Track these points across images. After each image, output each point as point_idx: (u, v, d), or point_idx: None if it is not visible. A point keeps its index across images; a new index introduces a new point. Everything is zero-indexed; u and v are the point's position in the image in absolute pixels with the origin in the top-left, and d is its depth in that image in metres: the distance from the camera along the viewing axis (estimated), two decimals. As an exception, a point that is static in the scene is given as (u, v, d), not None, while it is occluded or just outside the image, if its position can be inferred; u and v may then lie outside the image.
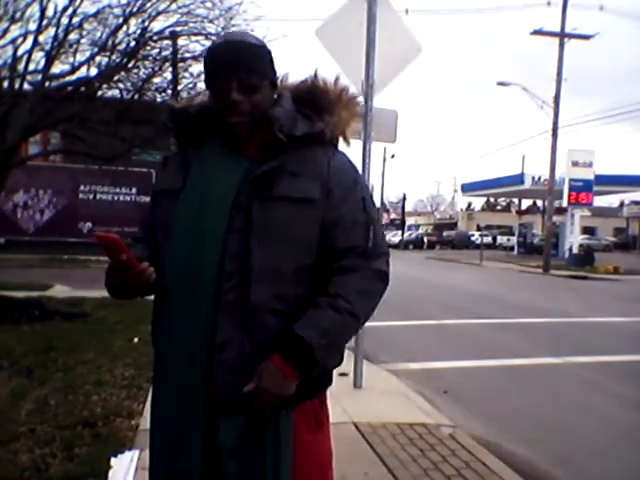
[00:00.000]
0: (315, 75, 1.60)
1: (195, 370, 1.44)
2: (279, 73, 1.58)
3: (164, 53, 8.05)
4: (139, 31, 7.59)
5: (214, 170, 1.50)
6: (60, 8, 7.30)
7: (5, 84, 7.62)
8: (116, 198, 20.95)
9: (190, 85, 8.31)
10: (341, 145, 1.64)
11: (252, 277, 1.42)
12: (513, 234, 44.25)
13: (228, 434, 1.44)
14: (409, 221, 64.00)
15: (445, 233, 52.31)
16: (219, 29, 7.74)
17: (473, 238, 47.47)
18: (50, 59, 7.41)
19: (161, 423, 1.53)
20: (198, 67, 8.20)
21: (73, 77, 7.82)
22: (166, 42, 8.07)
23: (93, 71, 7.71)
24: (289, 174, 1.46)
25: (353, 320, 1.49)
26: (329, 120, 1.54)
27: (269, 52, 1.51)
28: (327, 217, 1.49)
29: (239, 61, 1.43)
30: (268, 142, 1.48)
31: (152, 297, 1.60)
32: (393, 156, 50.48)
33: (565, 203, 27.21)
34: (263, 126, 1.48)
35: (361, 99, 1.51)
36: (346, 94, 1.60)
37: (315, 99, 1.56)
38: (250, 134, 1.48)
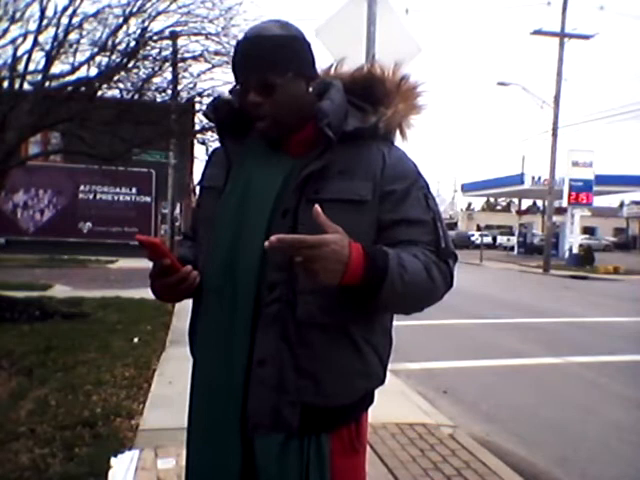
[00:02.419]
0: (371, 62, 1.46)
1: (232, 384, 1.33)
2: (332, 61, 1.45)
3: (164, 53, 8.04)
4: (139, 31, 7.59)
5: (256, 169, 1.38)
6: (60, 8, 7.30)
7: (5, 84, 7.61)
8: (116, 198, 20.94)
9: (190, 85, 8.31)
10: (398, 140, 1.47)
11: (299, 288, 1.29)
12: (513, 234, 44.29)
13: (265, 456, 1.32)
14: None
15: (445, 233, 52.21)
16: (219, 29, 7.74)
17: (473, 238, 47.45)
18: (50, 59, 7.41)
19: (197, 433, 1.43)
20: (198, 67, 8.21)
21: (73, 77, 7.81)
22: (166, 42, 8.06)
23: (93, 71, 7.71)
24: (338, 174, 1.32)
25: (430, 283, 1.30)
26: (384, 112, 1.39)
27: (299, 41, 1.33)
28: (385, 218, 1.34)
29: (257, 58, 1.29)
30: (314, 138, 1.34)
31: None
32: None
33: (565, 203, 27.23)
34: (309, 121, 1.35)
35: (425, 87, 1.26)
36: (405, 83, 1.42)
37: (370, 89, 1.41)
38: (289, 133, 1.36)
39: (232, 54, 1.36)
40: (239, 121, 1.42)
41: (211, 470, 1.37)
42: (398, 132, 1.45)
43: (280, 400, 1.30)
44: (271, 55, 1.29)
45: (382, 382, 1.45)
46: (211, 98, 1.56)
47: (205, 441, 1.39)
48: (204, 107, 8.06)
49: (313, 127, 1.34)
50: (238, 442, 1.33)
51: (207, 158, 1.58)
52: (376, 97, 1.40)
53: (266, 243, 1.13)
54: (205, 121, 8.24)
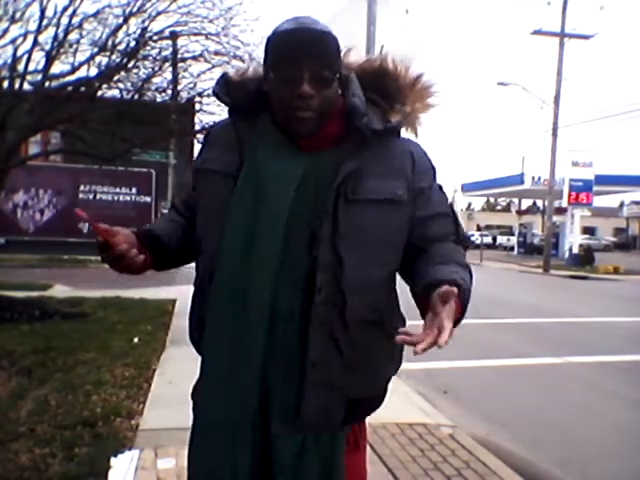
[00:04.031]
0: (382, 55, 1.43)
1: (248, 382, 1.32)
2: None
3: (164, 53, 8.04)
4: (139, 31, 7.59)
5: (269, 161, 1.33)
6: (60, 8, 7.30)
7: (5, 84, 7.62)
8: (116, 198, 20.93)
9: (190, 85, 8.30)
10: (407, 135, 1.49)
11: (346, 288, 1.30)
12: (513, 234, 44.26)
13: (285, 452, 1.33)
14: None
15: (445, 233, 52.21)
16: (219, 29, 7.74)
17: (473, 238, 47.42)
18: (50, 59, 7.41)
19: (206, 427, 1.40)
20: (198, 67, 8.21)
21: (73, 77, 7.81)
22: (166, 42, 8.06)
23: (93, 71, 7.71)
24: (372, 173, 1.32)
25: (471, 276, 1.35)
26: (401, 110, 1.38)
27: (339, 43, 1.33)
28: (418, 214, 1.38)
29: (314, 49, 1.26)
30: (335, 134, 1.34)
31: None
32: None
33: (565, 203, 27.23)
34: (331, 118, 1.33)
35: (439, 86, 1.29)
36: (420, 81, 1.42)
37: (384, 84, 1.39)
38: (315, 131, 1.31)
39: (274, 43, 1.30)
40: (252, 103, 1.38)
41: (221, 468, 1.36)
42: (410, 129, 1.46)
43: (330, 399, 1.33)
44: (329, 49, 1.29)
45: (401, 365, 1.52)
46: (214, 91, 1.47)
47: (216, 438, 1.36)
48: (204, 107, 8.08)
49: (336, 122, 1.33)
50: (251, 439, 1.33)
51: (205, 137, 1.52)
52: (388, 92, 1.40)
53: (418, 348, 1.19)
54: (205, 121, 8.25)
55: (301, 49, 1.26)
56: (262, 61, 1.36)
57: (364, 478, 1.52)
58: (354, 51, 1.44)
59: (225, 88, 1.41)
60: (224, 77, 1.42)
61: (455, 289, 1.16)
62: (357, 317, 1.32)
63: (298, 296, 1.31)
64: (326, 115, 1.31)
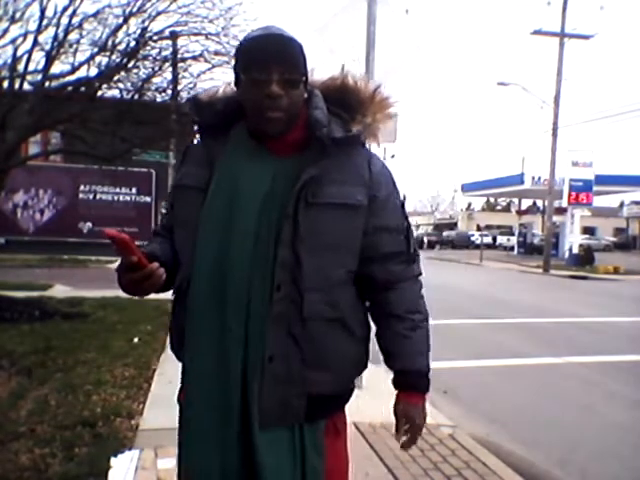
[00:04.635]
0: (344, 72, 1.55)
1: (230, 382, 1.38)
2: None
3: (164, 53, 8.04)
4: (139, 31, 7.59)
5: (241, 169, 1.43)
6: (60, 8, 7.30)
7: (5, 84, 7.62)
8: (116, 198, 20.93)
9: (190, 85, 8.31)
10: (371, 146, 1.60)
11: (304, 286, 1.38)
12: (513, 234, 44.24)
13: (265, 448, 1.38)
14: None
15: (445, 233, 52.28)
16: (219, 29, 7.74)
17: (473, 238, 47.45)
18: (50, 59, 7.41)
19: (194, 428, 1.45)
20: (198, 67, 8.21)
21: (73, 77, 7.81)
22: (166, 42, 8.06)
23: (93, 71, 7.71)
24: (332, 179, 1.41)
25: (427, 322, 1.59)
26: (362, 121, 1.50)
27: (304, 49, 1.44)
28: (371, 223, 1.47)
29: (282, 54, 1.37)
30: (299, 141, 1.44)
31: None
32: (393, 156, 50.41)
33: (565, 203, 27.22)
34: (295, 124, 1.43)
35: (395, 99, 1.44)
36: (379, 94, 1.53)
37: (346, 98, 1.50)
38: (283, 132, 1.42)
39: (245, 48, 1.41)
40: (220, 121, 1.49)
41: (210, 468, 1.40)
42: (372, 139, 1.56)
43: (289, 393, 1.39)
44: (296, 55, 1.40)
45: (366, 368, 1.60)
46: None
47: (204, 439, 1.41)
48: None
49: (300, 130, 1.44)
50: (238, 438, 1.38)
51: (182, 156, 1.61)
52: (350, 106, 1.50)
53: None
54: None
55: (269, 53, 1.36)
56: (233, 68, 1.46)
57: (346, 464, 1.58)
58: (317, 71, 1.54)
59: (195, 108, 1.52)
60: (194, 98, 1.54)
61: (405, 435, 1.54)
62: (315, 314, 1.40)
63: (264, 298, 1.38)
64: (293, 116, 1.41)
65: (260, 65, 1.36)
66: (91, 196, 20.80)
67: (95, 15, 7.48)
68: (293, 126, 1.43)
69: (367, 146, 1.56)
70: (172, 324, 1.55)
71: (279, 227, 1.37)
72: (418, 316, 1.55)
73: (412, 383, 1.54)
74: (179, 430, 1.49)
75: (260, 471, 1.36)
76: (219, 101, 1.50)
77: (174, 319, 1.54)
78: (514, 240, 40.17)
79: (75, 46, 7.58)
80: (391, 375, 1.58)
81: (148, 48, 7.80)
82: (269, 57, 1.36)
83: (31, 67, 7.63)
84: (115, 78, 7.82)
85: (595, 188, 27.60)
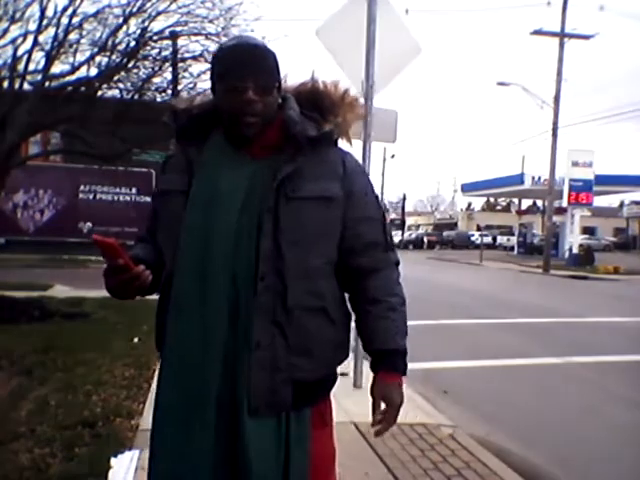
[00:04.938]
0: (314, 78, 1.64)
1: (211, 368, 1.44)
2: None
3: (164, 53, 8.06)
4: (139, 31, 7.60)
5: (221, 171, 1.50)
6: (60, 8, 7.31)
7: (5, 84, 7.62)
8: (116, 198, 20.95)
9: (190, 85, 8.31)
10: (343, 145, 1.67)
11: (287, 276, 1.45)
12: (513, 234, 44.24)
13: (254, 436, 1.43)
14: (409, 221, 64.00)
15: (445, 233, 52.27)
16: (219, 29, 7.76)
17: (473, 238, 47.43)
18: (50, 59, 7.41)
19: (169, 425, 1.49)
20: (198, 67, 8.22)
21: (73, 77, 7.82)
22: (166, 42, 8.07)
23: (93, 71, 7.72)
24: (309, 175, 1.50)
25: (404, 306, 1.64)
26: (334, 121, 1.57)
27: (276, 57, 1.53)
28: (350, 214, 1.55)
29: (255, 62, 1.46)
30: (275, 143, 1.52)
31: (153, 297, 1.60)
32: (393, 156, 50.43)
33: (565, 203, 27.21)
34: (271, 127, 1.51)
35: (361, 100, 1.55)
36: (348, 95, 1.63)
37: (318, 101, 1.59)
38: (259, 135, 1.50)
39: (221, 58, 1.49)
40: (198, 128, 1.56)
41: (185, 455, 1.44)
42: (344, 138, 1.65)
43: (276, 380, 1.45)
44: (269, 63, 1.49)
45: (348, 355, 1.68)
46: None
47: (175, 423, 1.46)
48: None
49: (275, 132, 1.52)
50: (215, 425, 1.43)
51: (162, 165, 1.69)
52: (322, 108, 1.58)
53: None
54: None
55: (244, 62, 1.45)
56: (210, 76, 1.54)
57: (332, 453, 1.64)
58: (290, 77, 1.63)
59: (172, 116, 1.59)
60: (170, 108, 1.62)
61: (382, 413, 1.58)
62: (299, 303, 1.47)
63: (251, 289, 1.45)
64: (268, 120, 1.49)
65: (236, 73, 1.44)
66: (91, 196, 20.81)
67: (95, 15, 7.49)
68: (268, 128, 1.50)
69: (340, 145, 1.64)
70: (156, 322, 1.60)
71: (260, 221, 1.44)
72: (396, 299, 1.61)
73: (389, 363, 1.58)
74: (153, 416, 1.53)
75: (245, 455, 1.41)
76: (194, 108, 1.59)
77: (158, 317, 1.58)
78: (514, 240, 40.17)
79: (75, 46, 7.59)
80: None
81: (148, 48, 7.82)
82: (244, 66, 1.44)
83: (31, 67, 7.64)
84: (115, 78, 7.83)
85: (595, 188, 27.59)
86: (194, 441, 1.44)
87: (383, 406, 1.58)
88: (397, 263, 1.67)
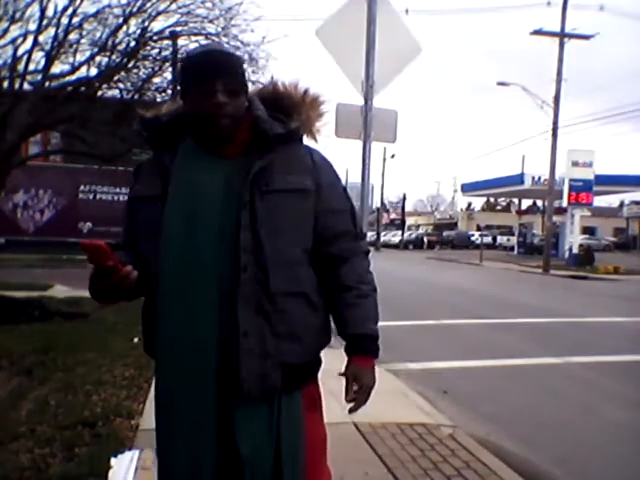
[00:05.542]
0: (274, 80, 1.74)
1: (206, 362, 1.51)
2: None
3: (164, 53, 8.06)
4: (139, 31, 7.60)
5: (198, 172, 1.58)
6: (60, 8, 7.32)
7: (5, 84, 7.62)
8: (116, 198, 20.95)
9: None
10: (309, 142, 1.76)
11: (268, 266, 1.53)
12: (513, 234, 44.23)
13: (245, 423, 1.52)
14: (409, 221, 63.98)
15: (445, 233, 52.28)
16: (219, 29, 7.76)
17: (473, 238, 47.44)
18: (50, 59, 7.41)
19: (171, 420, 1.56)
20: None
21: (73, 77, 7.83)
22: (166, 42, 8.07)
23: (93, 71, 7.73)
24: (280, 169, 1.59)
25: (375, 293, 1.73)
26: (299, 119, 1.66)
27: (242, 62, 1.66)
28: (320, 206, 1.64)
29: (224, 67, 1.54)
30: (246, 142, 1.60)
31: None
32: (393, 156, 50.54)
33: (565, 203, 27.18)
34: (241, 128, 1.59)
35: (325, 97, 1.72)
36: (309, 95, 1.71)
37: (280, 102, 1.67)
38: (230, 135, 1.58)
39: (190, 64, 1.57)
40: (168, 134, 1.64)
41: (188, 449, 1.52)
42: (310, 136, 1.73)
43: (266, 366, 1.52)
44: (236, 67, 1.59)
45: (330, 339, 1.74)
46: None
47: (182, 424, 1.53)
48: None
49: (245, 132, 1.60)
50: (215, 418, 1.51)
51: (134, 172, 1.76)
52: (285, 108, 1.67)
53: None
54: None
55: (213, 67, 1.53)
56: (179, 84, 1.64)
57: (324, 434, 1.72)
58: (251, 85, 1.75)
59: (141, 125, 1.67)
60: (139, 117, 1.69)
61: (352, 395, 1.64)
62: (280, 289, 1.56)
63: (236, 282, 1.52)
64: (239, 120, 1.57)
65: (206, 78, 1.52)
66: (91, 196, 20.82)
67: (95, 15, 7.49)
68: (239, 129, 1.58)
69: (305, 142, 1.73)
70: (143, 326, 1.67)
71: (239, 215, 1.53)
72: (366, 286, 1.70)
73: (362, 346, 1.67)
74: (155, 415, 1.59)
75: (238, 441, 1.49)
76: (163, 115, 1.66)
77: (144, 321, 1.65)
78: (514, 240, 40.16)
79: (75, 46, 7.59)
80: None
81: (148, 48, 7.82)
82: (213, 70, 1.53)
83: (31, 67, 7.65)
84: (115, 78, 7.83)
85: (595, 188, 27.57)
86: (196, 437, 1.51)
87: (355, 387, 1.66)
88: (367, 252, 1.77)
